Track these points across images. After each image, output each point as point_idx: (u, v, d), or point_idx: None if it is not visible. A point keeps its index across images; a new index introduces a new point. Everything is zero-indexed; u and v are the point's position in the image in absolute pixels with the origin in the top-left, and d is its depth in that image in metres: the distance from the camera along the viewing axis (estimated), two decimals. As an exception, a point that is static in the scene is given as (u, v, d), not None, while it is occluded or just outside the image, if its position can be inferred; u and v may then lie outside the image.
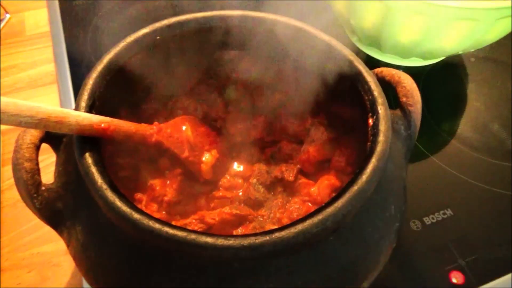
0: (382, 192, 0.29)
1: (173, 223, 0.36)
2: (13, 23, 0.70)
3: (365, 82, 0.31)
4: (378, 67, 0.38)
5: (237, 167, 0.42)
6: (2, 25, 0.68)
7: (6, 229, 0.46)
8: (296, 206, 0.37)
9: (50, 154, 0.34)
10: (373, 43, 0.58)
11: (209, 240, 0.23)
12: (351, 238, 0.27)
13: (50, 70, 0.62)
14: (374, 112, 0.30)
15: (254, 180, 0.39)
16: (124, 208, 0.25)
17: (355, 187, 0.26)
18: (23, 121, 0.23)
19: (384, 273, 0.31)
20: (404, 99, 0.33)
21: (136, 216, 0.24)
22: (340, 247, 0.26)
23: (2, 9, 0.69)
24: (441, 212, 0.46)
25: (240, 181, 0.41)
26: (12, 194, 0.48)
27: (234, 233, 0.36)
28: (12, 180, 0.30)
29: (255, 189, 0.39)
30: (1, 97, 0.22)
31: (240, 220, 0.37)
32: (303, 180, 0.39)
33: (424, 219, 0.45)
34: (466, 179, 0.49)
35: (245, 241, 0.23)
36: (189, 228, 0.36)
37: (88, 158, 0.27)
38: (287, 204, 0.38)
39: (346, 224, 0.26)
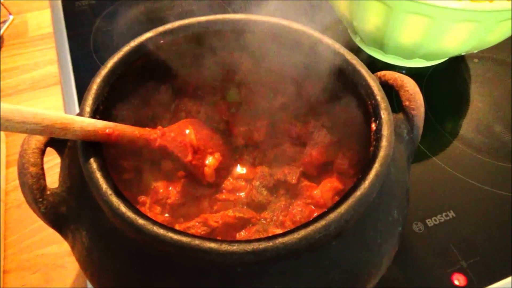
0: (385, 196, 0.29)
1: (176, 226, 0.37)
2: (16, 24, 0.70)
3: (368, 87, 0.31)
4: (381, 68, 0.38)
5: (240, 169, 0.42)
6: (5, 26, 0.68)
7: (11, 230, 0.46)
8: (299, 209, 0.38)
9: (55, 155, 0.34)
10: (376, 44, 0.58)
11: (213, 245, 0.24)
12: (354, 242, 0.27)
13: (53, 72, 0.63)
14: (377, 117, 0.30)
15: (257, 183, 0.39)
16: (129, 213, 0.25)
17: (358, 193, 0.26)
18: (28, 128, 0.23)
19: (386, 275, 0.31)
20: (407, 103, 0.33)
21: (141, 221, 0.25)
22: (342, 251, 0.27)
23: (5, 10, 0.70)
24: (444, 214, 0.46)
25: (243, 183, 0.41)
26: (17, 196, 0.49)
27: (237, 236, 0.36)
28: (16, 182, 0.30)
29: (258, 191, 0.39)
30: (6, 105, 0.22)
31: (243, 223, 0.37)
32: (305, 182, 0.40)
33: (427, 221, 0.45)
34: (469, 181, 0.49)
35: (249, 247, 0.24)
36: (192, 231, 0.36)
37: (93, 163, 0.27)
38: (290, 206, 0.38)
39: (349, 229, 0.27)
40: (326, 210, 0.25)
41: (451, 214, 0.46)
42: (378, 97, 0.30)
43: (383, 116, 0.29)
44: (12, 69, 0.63)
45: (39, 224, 0.45)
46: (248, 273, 0.25)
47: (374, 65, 0.60)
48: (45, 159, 0.31)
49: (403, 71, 0.60)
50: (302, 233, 0.24)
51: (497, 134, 0.54)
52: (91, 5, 0.70)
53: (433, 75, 0.61)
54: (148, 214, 0.36)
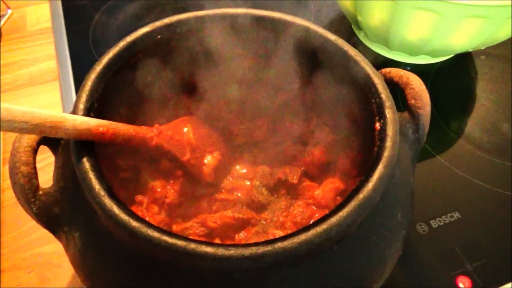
0: (388, 199, 0.28)
1: (174, 226, 0.36)
2: (14, 19, 0.69)
3: (372, 85, 0.30)
4: (385, 64, 0.37)
5: (239, 169, 0.41)
6: (3, 21, 0.67)
7: (7, 229, 0.45)
8: (300, 210, 0.37)
9: (51, 153, 0.33)
10: (380, 40, 0.56)
11: (209, 250, 0.23)
12: (356, 247, 0.26)
13: (52, 67, 0.62)
14: (382, 116, 0.29)
15: (257, 182, 0.38)
16: (122, 215, 0.24)
17: (360, 195, 0.25)
18: (17, 127, 0.22)
19: (388, 277, 0.30)
20: (412, 102, 0.32)
21: (134, 224, 0.24)
22: (344, 257, 0.25)
23: (3, 4, 0.69)
24: (448, 215, 0.45)
25: (242, 183, 0.40)
26: (13, 194, 0.48)
27: (237, 237, 0.36)
28: (12, 180, 0.30)
29: (258, 191, 0.38)
30: (-6, 102, 0.21)
31: (243, 224, 0.36)
32: (307, 182, 0.39)
33: (431, 222, 0.44)
34: (474, 181, 0.48)
35: (246, 251, 0.23)
36: (190, 231, 0.35)
37: (86, 163, 0.26)
38: (291, 207, 0.37)
39: (351, 233, 0.26)
40: (327, 213, 0.24)
41: (456, 215, 0.45)
42: (383, 96, 0.29)
43: (387, 116, 0.28)
44: (10, 64, 0.62)
45: (35, 223, 0.45)
46: (246, 279, 0.24)
47: (378, 61, 0.59)
48: (41, 156, 0.30)
49: (408, 68, 0.59)
50: (303, 237, 0.23)
51: (504, 133, 0.53)
52: (91, 0, 0.69)
53: (438, 72, 0.59)
54: (146, 214, 0.36)
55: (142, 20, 0.66)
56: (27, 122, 0.23)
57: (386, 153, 0.27)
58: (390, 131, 0.28)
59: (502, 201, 0.46)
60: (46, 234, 0.45)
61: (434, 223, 0.44)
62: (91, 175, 0.26)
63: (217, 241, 0.35)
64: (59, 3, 0.68)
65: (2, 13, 0.68)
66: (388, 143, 0.27)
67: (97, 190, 0.25)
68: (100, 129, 0.27)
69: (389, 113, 0.29)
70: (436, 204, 0.45)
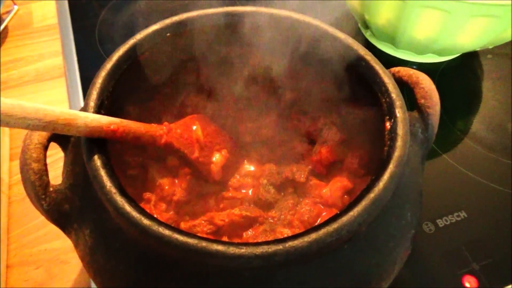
0: (398, 199, 0.28)
1: (182, 223, 0.36)
2: (20, 15, 0.69)
3: (382, 84, 0.30)
4: (391, 63, 0.36)
5: (247, 167, 0.41)
6: (9, 17, 0.67)
7: (14, 224, 0.46)
8: (307, 208, 0.37)
9: (60, 149, 0.33)
10: (387, 39, 0.56)
11: (220, 248, 0.23)
12: (366, 247, 0.26)
13: (58, 63, 0.62)
14: (392, 116, 0.29)
15: (265, 181, 0.38)
16: (134, 213, 0.24)
17: (371, 195, 0.25)
18: (30, 124, 0.22)
19: (395, 276, 0.30)
20: (422, 101, 0.32)
21: (146, 222, 0.24)
22: (354, 256, 0.26)
23: (9, 0, 0.69)
24: (455, 214, 0.44)
25: (250, 181, 0.40)
26: (21, 189, 0.48)
27: (244, 235, 0.36)
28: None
29: (265, 189, 0.38)
30: (8, 100, 0.21)
31: (250, 222, 0.36)
32: (314, 181, 0.39)
33: (438, 221, 0.44)
34: (481, 180, 0.47)
35: (257, 250, 0.23)
36: (198, 229, 0.35)
37: (97, 161, 0.26)
38: (298, 205, 0.37)
39: (361, 233, 0.26)
40: (338, 212, 0.24)
41: (463, 214, 0.45)
42: (393, 95, 0.29)
43: (398, 115, 0.28)
44: (16, 60, 0.62)
45: (43, 218, 0.44)
46: (256, 278, 0.24)
47: (384, 60, 0.58)
48: (50, 152, 0.30)
49: (415, 67, 0.59)
50: (313, 236, 0.23)
51: (510, 132, 0.53)
52: (97, -4, 0.69)
53: (445, 71, 0.59)
54: (153, 212, 0.36)
55: (148, 18, 0.66)
56: (40, 120, 0.23)
57: (396, 153, 0.27)
58: (400, 130, 0.28)
59: (508, 200, 0.46)
60: (53, 230, 0.45)
61: (440, 223, 0.44)
62: (102, 172, 0.26)
63: (225, 239, 0.35)
64: (65, 0, 0.68)
65: (8, 9, 0.68)
66: (399, 142, 0.27)
67: (108, 187, 0.25)
68: (112, 127, 0.27)
69: (400, 112, 0.28)
70: (443, 204, 0.45)
